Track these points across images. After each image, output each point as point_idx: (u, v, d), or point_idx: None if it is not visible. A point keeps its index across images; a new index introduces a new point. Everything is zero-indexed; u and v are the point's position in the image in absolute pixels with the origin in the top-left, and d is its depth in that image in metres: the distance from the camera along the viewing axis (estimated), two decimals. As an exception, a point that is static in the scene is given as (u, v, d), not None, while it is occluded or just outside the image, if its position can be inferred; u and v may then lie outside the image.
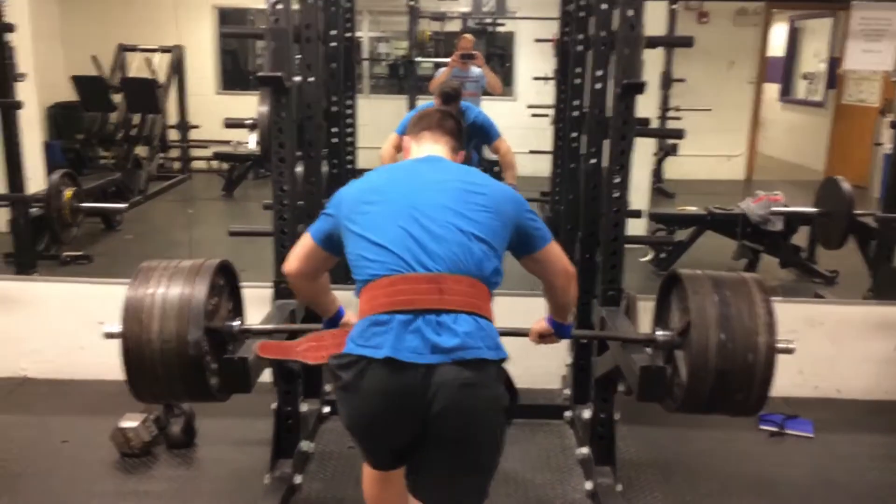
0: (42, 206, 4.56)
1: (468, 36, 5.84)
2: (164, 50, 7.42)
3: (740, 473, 2.88)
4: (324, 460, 2.90)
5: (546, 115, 5.95)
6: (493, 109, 4.20)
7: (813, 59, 9.71)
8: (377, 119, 7.66)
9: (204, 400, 2.13)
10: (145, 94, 7.09)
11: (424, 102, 4.40)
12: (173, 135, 7.81)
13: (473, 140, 4.14)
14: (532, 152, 5.70)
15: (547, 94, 6.43)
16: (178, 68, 7.54)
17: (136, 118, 7.34)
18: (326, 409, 3.17)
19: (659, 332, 2.23)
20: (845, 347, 3.46)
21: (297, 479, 2.71)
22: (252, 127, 3.34)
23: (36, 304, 3.58)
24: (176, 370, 2.00)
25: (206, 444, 3.01)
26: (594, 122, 2.77)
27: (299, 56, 2.89)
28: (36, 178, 4.92)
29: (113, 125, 7.26)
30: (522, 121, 6.69)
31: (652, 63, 3.84)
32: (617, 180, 2.61)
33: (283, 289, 2.71)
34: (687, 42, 2.85)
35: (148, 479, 2.79)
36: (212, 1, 8.27)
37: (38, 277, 4.30)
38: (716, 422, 3.09)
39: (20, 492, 2.69)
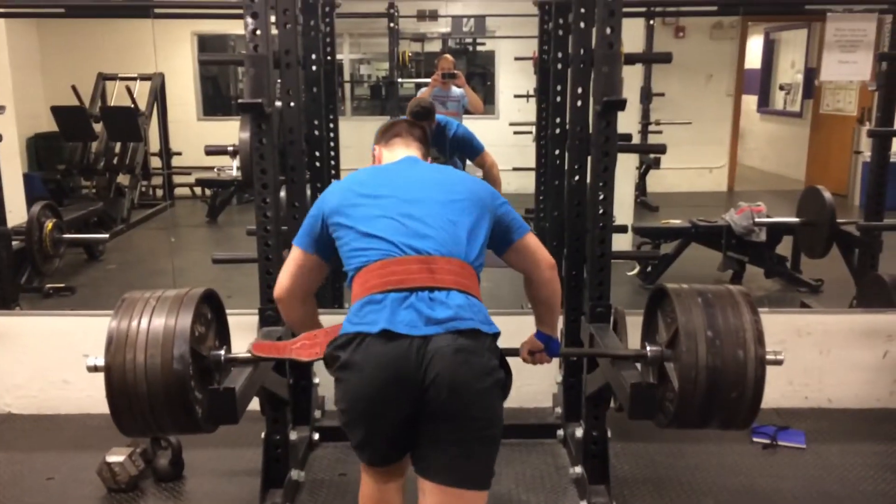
0: (23, 239, 4.51)
1: (448, 56, 5.86)
2: (144, 78, 7.41)
3: (734, 487, 2.86)
4: (315, 489, 2.86)
5: (529, 133, 5.98)
6: (475, 128, 4.20)
7: (789, 70, 9.83)
8: (360, 141, 7.67)
9: (190, 432, 2.10)
10: (126, 123, 7.06)
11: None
12: (155, 162, 7.77)
13: (456, 153, 4.14)
14: (516, 169, 5.71)
15: (529, 111, 6.46)
16: (158, 96, 7.52)
17: (118, 147, 7.30)
18: (316, 437, 3.13)
19: (648, 347, 2.23)
20: (834, 356, 3.47)
21: (288, 508, 2.68)
22: (234, 153, 3.32)
23: (18, 338, 3.53)
24: (162, 402, 1.97)
25: (194, 476, 2.96)
26: (576, 139, 2.78)
27: (279, 81, 2.88)
28: (17, 211, 4.87)
29: (94, 154, 7.22)
30: (505, 138, 6.72)
31: (632, 78, 3.87)
32: (601, 196, 2.62)
33: (268, 316, 2.69)
34: (665, 58, 2.86)
35: (136, 513, 2.74)
36: (191, 28, 8.26)
37: (20, 311, 4.26)
38: (708, 436, 3.11)
39: (5, 531, 2.64)
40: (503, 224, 1.96)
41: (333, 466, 3.00)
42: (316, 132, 3.54)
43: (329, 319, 2.20)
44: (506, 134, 6.85)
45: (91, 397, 3.34)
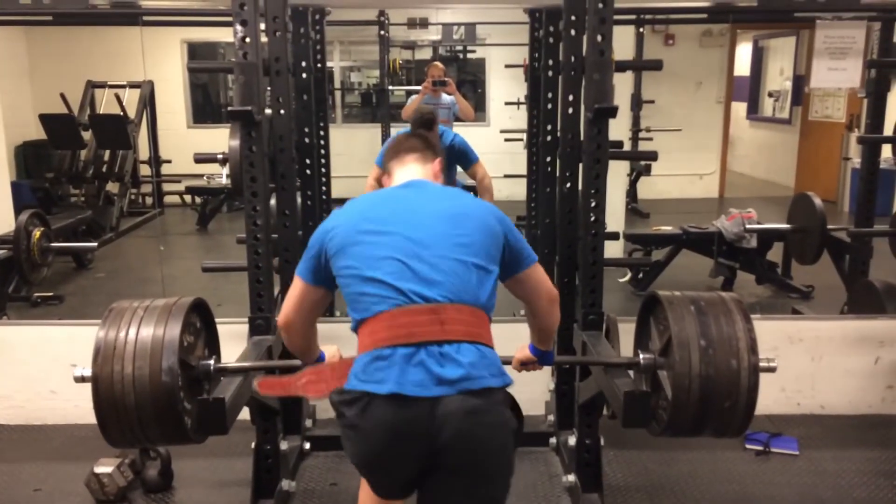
0: (11, 248, 4.47)
1: (438, 63, 5.86)
2: (133, 85, 7.36)
3: (727, 494, 2.86)
4: (306, 499, 2.83)
5: (520, 140, 5.98)
6: (466, 135, 4.18)
7: (778, 77, 9.88)
8: (351, 148, 7.69)
9: (179, 442, 2.08)
10: (115, 131, 7.02)
11: (400, 130, 4.40)
12: (145, 170, 7.73)
13: (452, 163, 4.13)
14: (507, 176, 5.71)
15: (520, 118, 6.47)
16: (147, 103, 7.49)
17: (107, 155, 7.26)
18: (307, 446, 3.11)
19: (641, 355, 2.22)
20: (826, 363, 3.47)
21: (279, 519, 2.65)
22: (223, 161, 3.31)
23: (6, 348, 3.49)
24: (150, 413, 1.95)
25: (183, 487, 2.93)
26: (568, 146, 2.78)
27: (269, 89, 2.87)
28: (4, 219, 4.83)
29: (83, 163, 7.18)
30: (496, 145, 6.72)
31: (622, 85, 3.87)
32: (593, 203, 2.61)
33: (258, 325, 2.67)
34: (656, 65, 2.87)
35: (124, 525, 2.71)
36: (181, 35, 8.23)
37: (7, 321, 4.22)
38: (701, 443, 3.08)
39: (-9, 545, 2.60)
40: (512, 253, 1.86)
41: (324, 476, 2.97)
42: (306, 140, 3.53)
43: (320, 328, 2.17)
44: (497, 141, 6.85)
45: (79, 407, 3.31)
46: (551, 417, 3.25)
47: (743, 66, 10.07)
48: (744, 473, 3.00)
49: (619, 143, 3.47)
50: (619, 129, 3.78)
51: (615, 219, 5.01)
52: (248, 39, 2.51)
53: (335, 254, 1.79)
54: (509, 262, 1.86)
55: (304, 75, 3.47)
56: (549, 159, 3.19)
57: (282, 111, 2.84)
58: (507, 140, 6.57)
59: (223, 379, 2.22)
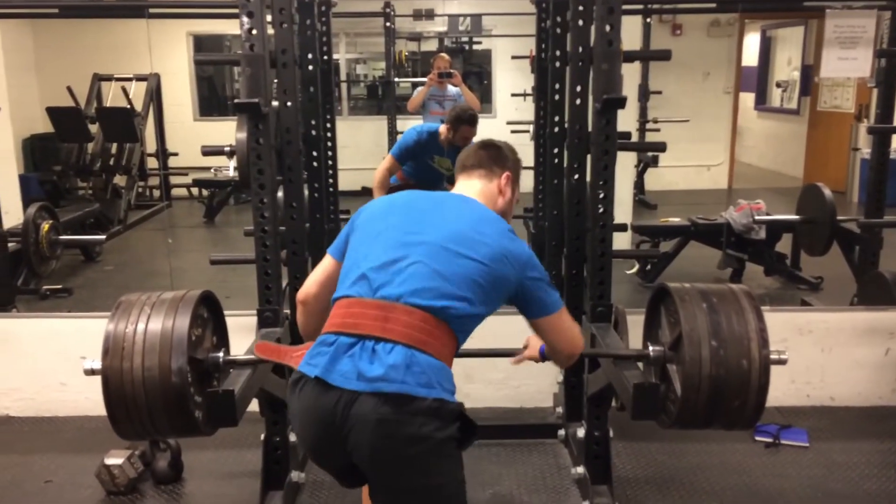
0: (19, 241, 4.49)
1: (444, 55, 5.85)
2: (140, 78, 7.37)
3: (737, 487, 2.85)
4: (315, 490, 2.84)
5: (526, 132, 5.96)
6: (472, 127, 4.18)
7: (786, 68, 9.82)
8: (357, 140, 7.69)
9: (189, 435, 2.08)
10: (122, 124, 7.03)
11: (418, 124, 4.40)
12: (152, 163, 7.75)
13: None
14: (513, 168, 5.68)
15: (526, 109, 6.44)
16: (154, 96, 7.49)
17: (114, 148, 7.28)
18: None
19: (650, 348, 2.21)
20: (836, 354, 3.46)
21: (288, 511, 2.66)
22: (230, 154, 3.30)
23: (15, 340, 3.51)
24: (159, 405, 1.95)
25: (193, 479, 2.94)
26: (576, 137, 2.76)
27: (276, 81, 2.86)
28: (13, 212, 4.85)
29: (90, 156, 7.19)
30: (502, 137, 6.68)
31: (629, 76, 3.85)
32: (601, 195, 2.60)
33: (266, 317, 2.66)
34: (665, 55, 2.85)
35: (134, 517, 2.72)
36: (187, 28, 8.23)
37: (16, 314, 4.24)
38: (711, 435, 3.09)
39: (2, 536, 2.62)
40: (526, 297, 1.79)
41: (333, 468, 2.98)
42: (313, 132, 3.52)
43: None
44: (503, 133, 6.81)
45: (89, 399, 3.32)
46: (560, 409, 3.24)
47: (751, 57, 10.02)
48: (753, 465, 3.00)
49: (627, 134, 3.46)
50: (626, 120, 3.75)
51: (623, 210, 4.98)
52: (254, 31, 2.50)
53: (354, 233, 1.84)
54: (523, 305, 1.82)
55: (310, 67, 3.45)
56: (556, 151, 3.18)
57: (288, 103, 2.83)
58: (513, 132, 6.54)
59: (232, 371, 2.22)
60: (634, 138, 6.45)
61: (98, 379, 1.96)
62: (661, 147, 3.56)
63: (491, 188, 1.96)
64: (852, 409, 3.46)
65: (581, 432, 2.82)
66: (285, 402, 2.69)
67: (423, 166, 4.18)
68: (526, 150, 5.05)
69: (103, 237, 5.77)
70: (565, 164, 2.93)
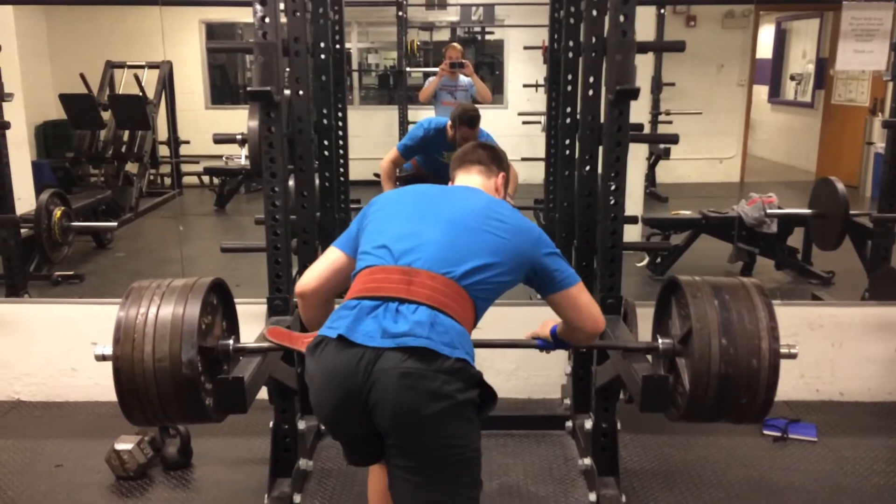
0: (32, 227, 4.51)
1: (455, 45, 5.84)
2: (152, 66, 7.39)
3: (744, 480, 2.85)
4: (323, 478, 2.86)
5: (537, 123, 5.95)
6: (483, 117, 4.17)
7: (801, 60, 9.74)
8: (368, 130, 7.69)
9: (199, 421, 2.09)
10: (134, 111, 7.05)
11: (427, 117, 4.38)
12: (163, 151, 7.77)
13: None
14: (524, 159, 5.68)
15: (538, 100, 6.44)
16: (166, 84, 7.51)
17: (126, 135, 7.30)
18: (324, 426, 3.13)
19: (660, 340, 2.20)
20: (846, 349, 3.44)
21: (297, 498, 2.68)
22: (242, 142, 3.31)
23: (27, 326, 3.53)
24: (170, 392, 1.96)
25: (202, 465, 2.96)
26: (588, 129, 2.75)
27: (288, 70, 2.86)
28: (25, 198, 4.88)
29: (102, 143, 7.22)
30: (514, 128, 6.69)
31: (642, 67, 3.83)
32: (613, 187, 2.59)
33: (276, 305, 2.67)
34: (679, 47, 2.83)
35: (144, 501, 2.74)
36: (199, 16, 8.24)
37: (28, 299, 4.27)
38: (719, 428, 3.09)
39: (14, 519, 2.64)
40: (543, 273, 1.84)
41: (341, 456, 2.94)
42: (325, 121, 3.52)
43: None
44: (514, 123, 6.81)
45: (99, 385, 3.35)
46: (568, 401, 3.25)
47: (765, 49, 9.94)
48: (761, 459, 2.99)
49: (639, 126, 3.44)
50: (639, 111, 3.74)
51: (634, 202, 4.96)
52: (267, 19, 2.50)
53: (367, 222, 1.87)
54: (542, 281, 1.86)
55: (322, 56, 3.45)
56: (568, 142, 3.17)
57: (300, 92, 2.83)
58: (524, 123, 6.53)
59: (242, 358, 2.23)
60: (647, 130, 6.44)
61: (109, 365, 1.97)
62: (674, 139, 3.55)
63: (489, 185, 2.03)
64: (861, 405, 3.45)
65: (589, 424, 2.82)
66: (294, 390, 2.73)
67: (432, 160, 4.18)
68: (537, 142, 5.08)
69: (115, 224, 5.78)
70: (577, 156, 2.93)
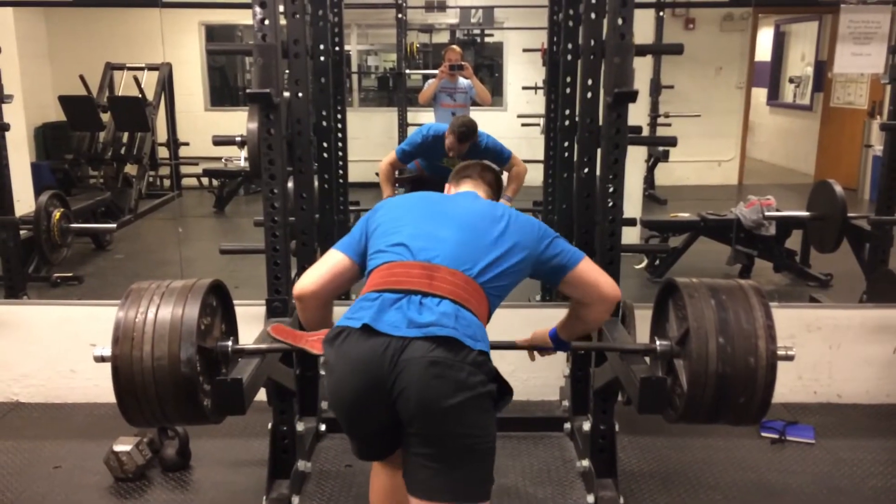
0: (31, 228, 4.52)
1: (455, 47, 5.83)
2: (152, 68, 7.39)
3: (742, 482, 2.85)
4: (321, 480, 2.86)
5: (536, 125, 5.95)
6: (482, 119, 4.17)
7: (799, 63, 9.76)
8: (368, 132, 7.70)
9: (197, 422, 2.10)
10: (134, 113, 7.05)
11: (428, 123, 4.38)
12: (163, 152, 7.77)
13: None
14: (523, 161, 5.67)
15: (537, 103, 6.44)
16: (166, 86, 7.51)
17: (125, 137, 7.30)
18: (323, 428, 3.13)
19: (658, 342, 2.21)
20: (844, 351, 3.45)
21: (295, 499, 2.68)
22: (241, 144, 3.31)
23: (26, 327, 3.53)
24: (168, 393, 1.97)
25: (201, 466, 2.96)
26: (586, 131, 2.76)
27: (287, 72, 2.87)
28: (25, 200, 4.88)
29: (102, 144, 7.22)
30: (513, 130, 6.69)
31: (640, 70, 3.85)
32: (611, 189, 2.60)
33: (275, 307, 2.68)
34: (677, 49, 2.84)
35: (143, 503, 2.74)
36: (199, 18, 8.25)
37: (27, 301, 4.27)
38: (717, 430, 3.09)
39: (12, 520, 2.64)
40: (551, 261, 1.90)
41: (340, 457, 3.00)
42: (324, 123, 3.53)
43: (338, 311, 2.19)
44: (514, 126, 6.82)
45: (98, 387, 3.35)
46: (566, 403, 3.25)
47: (764, 52, 9.95)
48: (759, 461, 3.00)
49: (638, 129, 3.46)
50: (637, 114, 3.75)
51: (632, 205, 4.96)
52: (266, 22, 2.50)
53: (375, 226, 1.91)
54: (553, 266, 1.91)
55: (321, 58, 3.47)
56: (566, 144, 3.18)
57: (300, 94, 2.84)
58: (523, 125, 6.54)
59: (241, 360, 2.23)
60: (645, 133, 6.45)
61: (107, 366, 1.97)
62: (672, 142, 3.55)
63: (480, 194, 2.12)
64: (859, 407, 3.46)
65: (587, 426, 2.82)
66: (293, 392, 2.73)
67: (433, 164, 4.18)
68: (536, 144, 5.08)
69: (114, 226, 5.80)
70: (575, 158, 2.93)
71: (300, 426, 2.86)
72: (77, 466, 2.96)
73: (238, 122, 3.66)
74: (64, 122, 7.25)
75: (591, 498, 2.69)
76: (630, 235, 4.47)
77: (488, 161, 4.09)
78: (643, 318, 2.47)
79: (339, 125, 3.98)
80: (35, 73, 7.26)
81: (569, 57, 3.20)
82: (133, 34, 7.42)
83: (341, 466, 2.93)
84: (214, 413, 2.09)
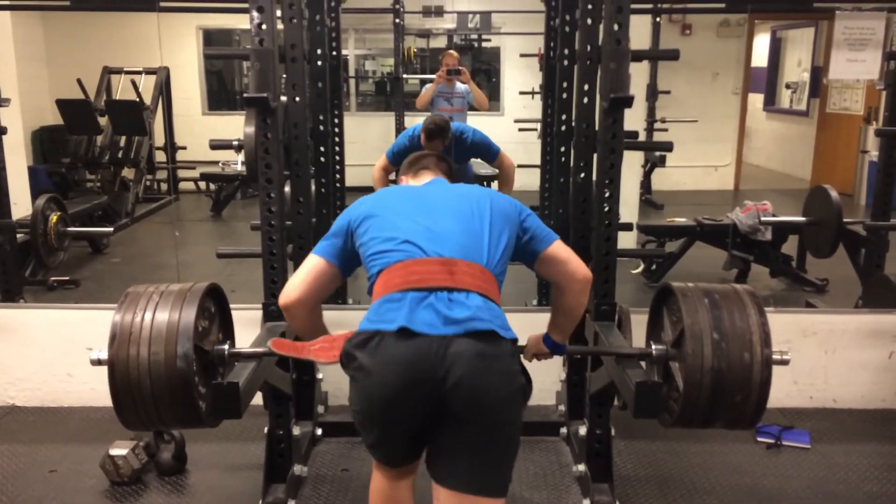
0: (28, 232, 4.51)
1: (452, 52, 5.84)
2: (150, 72, 7.40)
3: (738, 487, 2.85)
4: (317, 484, 2.86)
5: (534, 130, 5.96)
6: (480, 124, 4.18)
7: (796, 69, 9.80)
8: (365, 137, 7.70)
9: (194, 426, 2.10)
10: (131, 117, 7.06)
11: (416, 124, 4.38)
12: (160, 156, 7.77)
13: (471, 158, 4.15)
14: (520, 166, 5.67)
15: (534, 108, 6.44)
16: (163, 90, 7.52)
17: (123, 140, 7.30)
18: (319, 432, 3.13)
19: (653, 346, 2.22)
20: (839, 356, 3.45)
21: None
22: (238, 148, 3.32)
23: (22, 331, 3.53)
24: (165, 397, 1.97)
25: (197, 470, 2.96)
26: (582, 136, 2.77)
27: (285, 76, 2.87)
28: (22, 203, 4.88)
29: (99, 148, 7.22)
30: (510, 135, 6.69)
31: (637, 75, 3.86)
32: (607, 194, 2.60)
33: (272, 311, 2.68)
34: (673, 55, 2.85)
35: (138, 507, 2.74)
36: (196, 22, 8.25)
37: (24, 304, 4.27)
38: (712, 435, 3.10)
39: (7, 524, 2.64)
40: (527, 235, 1.95)
41: (336, 462, 3.00)
42: (321, 127, 3.54)
43: (331, 315, 2.20)
44: (511, 131, 6.82)
45: (94, 390, 3.35)
46: (562, 407, 3.25)
47: (760, 58, 9.99)
48: (755, 466, 3.00)
49: (634, 134, 3.46)
50: (634, 119, 3.76)
51: (629, 210, 4.98)
52: (264, 26, 2.51)
53: (359, 219, 1.91)
54: (528, 242, 1.95)
55: (319, 63, 3.47)
56: (563, 149, 3.19)
57: (297, 98, 2.84)
58: (521, 130, 6.55)
59: (237, 364, 2.23)
60: (642, 138, 6.45)
61: (104, 370, 1.97)
62: (669, 147, 3.56)
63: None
64: (855, 412, 3.46)
65: (583, 430, 2.83)
66: (289, 395, 2.73)
67: None
68: (533, 148, 5.09)
69: (111, 229, 5.79)
70: (572, 163, 2.94)
71: (296, 430, 2.86)
72: (73, 470, 2.96)
73: (235, 126, 3.67)
74: (61, 126, 7.25)
75: (587, 502, 2.70)
76: (626, 240, 4.49)
77: (477, 157, 4.12)
78: (639, 323, 2.48)
79: (337, 129, 3.99)
80: (32, 77, 7.26)
81: (565, 62, 3.21)
82: (131, 38, 7.43)
83: (337, 471, 2.93)
84: (211, 416, 2.10)
